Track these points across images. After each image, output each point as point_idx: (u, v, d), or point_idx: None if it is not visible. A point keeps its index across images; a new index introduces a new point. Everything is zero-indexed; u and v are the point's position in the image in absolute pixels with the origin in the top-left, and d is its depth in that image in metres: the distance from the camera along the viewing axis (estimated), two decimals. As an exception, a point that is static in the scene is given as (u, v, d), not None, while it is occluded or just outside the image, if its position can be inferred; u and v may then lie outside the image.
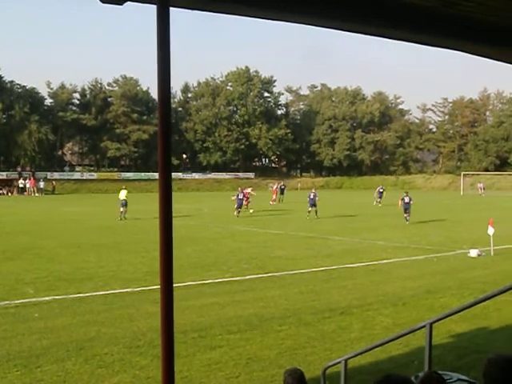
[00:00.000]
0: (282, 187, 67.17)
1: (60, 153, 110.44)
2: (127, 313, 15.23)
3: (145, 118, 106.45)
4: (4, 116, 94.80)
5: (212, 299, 16.78)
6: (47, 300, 16.58)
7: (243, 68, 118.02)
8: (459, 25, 5.33)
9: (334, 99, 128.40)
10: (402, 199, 41.54)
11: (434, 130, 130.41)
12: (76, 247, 27.63)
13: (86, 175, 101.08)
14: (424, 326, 6.66)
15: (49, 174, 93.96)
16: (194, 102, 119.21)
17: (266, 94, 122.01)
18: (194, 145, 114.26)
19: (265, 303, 16.33)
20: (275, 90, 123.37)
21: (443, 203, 58.06)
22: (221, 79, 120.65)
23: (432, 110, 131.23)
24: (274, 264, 22.92)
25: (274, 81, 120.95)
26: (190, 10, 4.50)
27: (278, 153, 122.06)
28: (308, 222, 41.19)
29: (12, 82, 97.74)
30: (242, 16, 4.77)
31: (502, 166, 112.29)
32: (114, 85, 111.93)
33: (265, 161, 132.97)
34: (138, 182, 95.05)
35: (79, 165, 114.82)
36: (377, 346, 8.63)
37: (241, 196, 46.64)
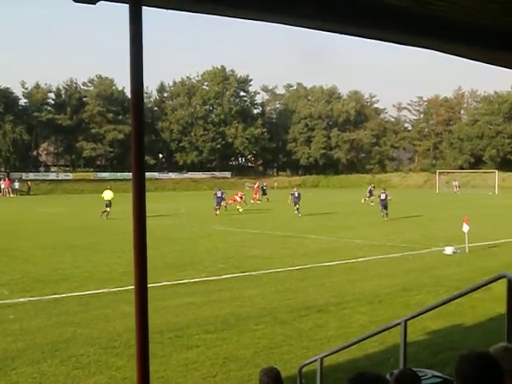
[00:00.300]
0: (264, 187, 67.19)
1: (35, 153, 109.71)
2: (103, 313, 15.15)
3: (120, 117, 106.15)
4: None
5: (188, 299, 16.75)
6: (22, 301, 16.46)
7: (219, 67, 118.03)
8: (432, 24, 5.38)
9: (309, 98, 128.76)
10: (379, 196, 42.96)
11: (410, 128, 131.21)
12: (51, 248, 27.46)
13: (62, 175, 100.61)
14: (399, 324, 6.70)
15: (24, 174, 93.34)
16: (170, 102, 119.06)
17: (242, 94, 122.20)
18: (170, 144, 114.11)
19: (241, 302, 16.32)
20: (251, 89, 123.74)
21: (419, 201, 58.38)
22: (197, 78, 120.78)
23: (407, 108, 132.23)
24: (250, 263, 22.93)
25: (250, 80, 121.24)
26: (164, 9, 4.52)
27: (255, 152, 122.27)
28: (288, 220, 41.28)
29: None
30: (217, 15, 4.77)
31: (476, 164, 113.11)
32: (90, 84, 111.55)
33: (241, 160, 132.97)
34: (113, 182, 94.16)
35: (54, 165, 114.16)
36: (352, 344, 8.67)
37: (219, 194, 46.99)
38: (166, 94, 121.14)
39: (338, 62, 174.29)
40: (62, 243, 29.10)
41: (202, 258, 24.18)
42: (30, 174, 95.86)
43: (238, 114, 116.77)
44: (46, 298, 16.92)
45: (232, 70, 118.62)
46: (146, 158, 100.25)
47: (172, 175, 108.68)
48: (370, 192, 58.90)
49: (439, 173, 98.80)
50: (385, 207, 42.11)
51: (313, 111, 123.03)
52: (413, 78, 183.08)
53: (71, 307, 15.86)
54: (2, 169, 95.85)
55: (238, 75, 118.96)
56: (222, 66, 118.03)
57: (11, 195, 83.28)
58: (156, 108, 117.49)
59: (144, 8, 4.01)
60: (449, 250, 24.96)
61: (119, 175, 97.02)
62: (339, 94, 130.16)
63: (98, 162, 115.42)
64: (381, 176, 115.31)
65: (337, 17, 4.89)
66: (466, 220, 25.10)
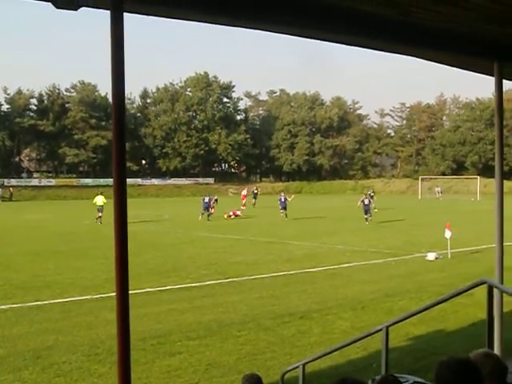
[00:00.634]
0: (256, 192, 67.33)
1: (17, 159, 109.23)
2: (86, 320, 15.07)
3: (103, 123, 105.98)
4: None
5: (171, 306, 16.70)
6: (3, 308, 16.34)
7: (202, 73, 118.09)
8: (414, 32, 5.41)
9: (292, 104, 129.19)
10: (362, 201, 43.82)
11: (392, 134, 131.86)
12: (34, 254, 27.29)
13: (44, 182, 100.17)
14: (381, 330, 6.71)
15: (6, 180, 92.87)
16: (153, 108, 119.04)
17: (225, 100, 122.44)
18: (153, 150, 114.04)
19: (224, 309, 16.29)
20: (234, 95, 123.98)
21: (401, 207, 58.59)
22: (180, 84, 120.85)
23: (390, 114, 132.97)
24: (233, 269, 22.90)
25: (233, 86, 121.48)
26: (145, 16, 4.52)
27: (238, 158, 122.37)
28: (271, 226, 41.32)
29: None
30: (199, 22, 4.78)
31: (458, 170, 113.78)
32: (72, 90, 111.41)
33: (224, 166, 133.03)
34: (96, 189, 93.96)
35: (37, 171, 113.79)
36: (335, 350, 8.67)
37: (206, 200, 47.81)
38: (149, 100, 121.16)
39: (321, 68, 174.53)
40: (44, 249, 28.96)
41: (185, 265, 24.13)
42: (12, 180, 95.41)
43: (221, 120, 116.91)
44: (27, 304, 16.81)
45: (215, 76, 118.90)
46: (129, 164, 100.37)
47: (155, 181, 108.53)
48: (371, 197, 58.48)
49: (422, 179, 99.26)
50: (368, 212, 43.00)
51: (296, 117, 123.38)
52: (395, 85, 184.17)
53: (53, 314, 15.77)
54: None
55: (221, 81, 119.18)
56: (205, 72, 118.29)
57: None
58: (139, 114, 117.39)
59: (126, 14, 4.01)
60: (431, 256, 25.04)
61: (102, 181, 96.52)
62: (322, 100, 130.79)
63: (81, 168, 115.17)
64: (363, 182, 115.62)
65: (319, 25, 4.91)
66: (449, 226, 25.23)
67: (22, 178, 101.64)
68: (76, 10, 4.19)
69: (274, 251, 28.26)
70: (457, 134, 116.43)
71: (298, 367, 8.40)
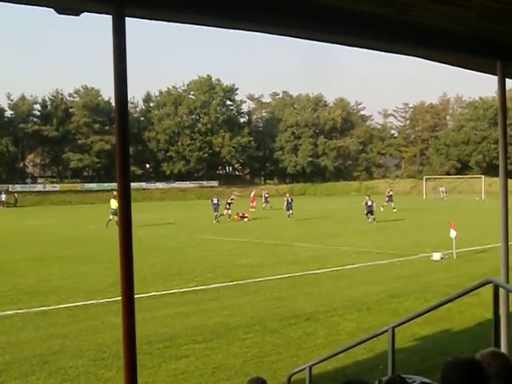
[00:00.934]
0: (266, 196, 67.50)
1: (21, 165, 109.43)
2: (92, 325, 15.08)
3: (107, 128, 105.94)
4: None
5: (177, 309, 16.70)
6: (10, 314, 16.36)
7: (205, 76, 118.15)
8: (412, 31, 5.40)
9: (296, 106, 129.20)
10: (366, 202, 44.61)
11: (396, 135, 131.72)
12: (39, 260, 27.33)
13: (49, 187, 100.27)
14: (387, 331, 6.70)
15: (10, 186, 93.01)
16: (156, 112, 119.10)
17: (229, 102, 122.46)
18: (157, 154, 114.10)
19: (230, 311, 16.29)
20: (237, 98, 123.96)
21: (406, 207, 58.49)
22: (183, 88, 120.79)
23: (393, 115, 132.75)
24: (238, 272, 22.89)
25: (236, 89, 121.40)
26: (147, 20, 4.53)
27: (242, 161, 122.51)
28: (276, 228, 41.31)
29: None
30: (201, 26, 4.78)
31: (463, 169, 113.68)
32: (76, 95, 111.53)
33: (228, 169, 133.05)
34: (101, 193, 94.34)
35: (41, 176, 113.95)
36: (341, 352, 8.66)
37: (215, 201, 49.06)
38: (152, 104, 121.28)
39: (323, 69, 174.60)
40: (50, 255, 28.99)
41: (190, 268, 24.13)
42: (17, 185, 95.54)
43: (224, 123, 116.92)
44: (33, 310, 16.82)
45: (218, 79, 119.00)
46: (133, 168, 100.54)
47: (159, 185, 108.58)
48: (390, 196, 58.68)
49: (426, 179, 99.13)
50: (371, 213, 44.09)
51: (299, 119, 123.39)
52: (398, 85, 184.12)
53: (59, 319, 15.78)
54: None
55: (224, 84, 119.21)
56: (208, 76, 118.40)
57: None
58: (142, 118, 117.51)
59: (128, 18, 4.02)
60: (436, 256, 25.00)
61: (106, 186, 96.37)
62: (325, 101, 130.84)
63: (85, 173, 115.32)
64: (368, 183, 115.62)
65: (319, 26, 4.91)
66: (454, 226, 25.18)
67: (26, 183, 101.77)
68: (78, 15, 4.20)
69: (279, 253, 28.25)
70: (460, 134, 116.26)
71: (304, 369, 8.40)
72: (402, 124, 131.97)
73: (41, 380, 11.01)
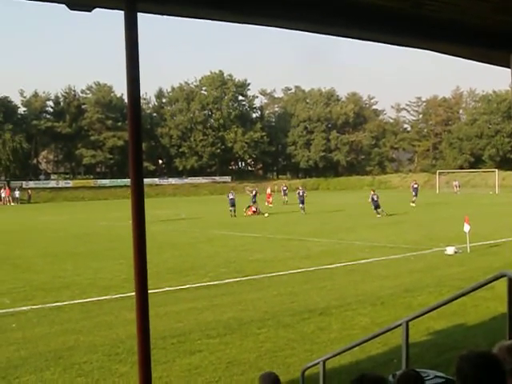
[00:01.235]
0: (285, 189, 67.73)
1: (35, 161, 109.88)
2: (106, 320, 15.14)
3: (119, 124, 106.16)
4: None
5: (190, 304, 16.73)
6: (24, 310, 16.44)
7: (217, 72, 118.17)
8: (427, 25, 5.38)
9: (308, 101, 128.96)
10: (372, 197, 45.64)
11: (409, 129, 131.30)
12: (53, 256, 27.44)
13: (62, 183, 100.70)
14: (401, 325, 6.69)
15: (24, 182, 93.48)
16: (169, 107, 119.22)
17: (241, 98, 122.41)
18: (169, 150, 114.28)
19: (243, 306, 16.30)
20: (249, 93, 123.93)
21: (419, 202, 58.29)
22: (195, 84, 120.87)
23: (406, 109, 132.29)
24: (252, 267, 22.90)
25: (248, 84, 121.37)
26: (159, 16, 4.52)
27: (254, 156, 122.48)
28: (288, 223, 41.30)
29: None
30: (213, 20, 4.78)
31: (476, 163, 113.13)
32: (88, 92, 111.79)
33: (241, 164, 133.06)
34: (114, 189, 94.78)
35: (54, 173, 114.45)
36: (355, 346, 8.66)
37: (231, 196, 49.66)
38: (164, 100, 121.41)
39: (335, 64, 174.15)
40: (63, 251, 29.11)
41: (203, 263, 24.16)
42: (31, 182, 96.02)
43: (236, 119, 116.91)
44: (48, 305, 16.90)
45: (230, 75, 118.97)
46: (146, 164, 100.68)
47: (172, 181, 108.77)
48: (416, 190, 58.31)
49: (439, 173, 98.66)
50: (378, 207, 45.03)
51: (312, 114, 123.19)
52: (411, 79, 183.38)
53: (73, 315, 15.85)
54: (3, 178, 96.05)
55: (236, 79, 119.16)
56: (220, 71, 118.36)
57: (12, 204, 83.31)
58: (155, 114, 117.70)
59: (140, 14, 4.02)
60: (450, 250, 24.92)
61: (119, 182, 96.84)
62: (337, 96, 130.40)
63: (98, 169, 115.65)
64: (381, 177, 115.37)
65: (331, 19, 4.90)
66: (467, 220, 25.09)
67: (39, 180, 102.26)
68: (90, 11, 4.21)
69: (292, 248, 28.24)
70: (474, 128, 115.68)
71: (318, 363, 8.39)
72: (414, 118, 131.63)
73: (55, 375, 11.06)
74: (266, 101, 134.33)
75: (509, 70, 7.13)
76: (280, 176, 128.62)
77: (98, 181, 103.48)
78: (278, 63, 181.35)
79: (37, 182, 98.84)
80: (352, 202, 63.35)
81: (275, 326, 14.16)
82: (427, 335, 12.74)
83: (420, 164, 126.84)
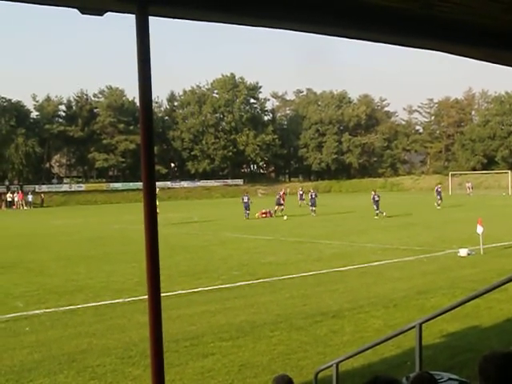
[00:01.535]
0: (301, 193, 67.29)
1: (47, 165, 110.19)
2: (119, 323, 15.18)
3: (131, 128, 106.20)
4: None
5: (203, 307, 16.75)
6: (38, 313, 16.52)
7: (228, 75, 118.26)
8: (437, 26, 5.36)
9: (320, 103, 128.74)
10: (373, 198, 46.75)
11: (421, 131, 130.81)
12: (66, 259, 27.54)
13: (75, 187, 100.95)
14: (414, 327, 6.67)
15: (37, 186, 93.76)
16: (181, 111, 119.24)
17: (252, 101, 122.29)
18: (181, 153, 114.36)
19: (256, 309, 16.31)
20: (261, 96, 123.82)
21: (432, 203, 58.14)
22: (206, 87, 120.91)
23: (418, 111, 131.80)
24: (264, 270, 22.90)
25: (260, 87, 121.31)
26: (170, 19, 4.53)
27: (266, 158, 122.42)
28: (300, 225, 41.28)
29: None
30: (225, 23, 4.78)
31: (489, 164, 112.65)
32: (100, 96, 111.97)
33: (253, 167, 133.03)
34: (126, 193, 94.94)
35: (67, 177, 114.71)
36: (368, 349, 8.63)
37: (246, 199, 50.22)
38: (176, 103, 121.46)
39: (347, 66, 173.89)
40: (76, 254, 29.20)
41: (216, 266, 24.19)
42: (43, 186, 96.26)
43: (248, 122, 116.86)
44: (61, 309, 16.97)
45: (241, 78, 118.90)
46: (158, 167, 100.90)
47: (184, 184, 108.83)
48: (439, 193, 58.29)
49: (452, 175, 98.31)
50: (378, 207, 46.20)
51: (323, 116, 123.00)
52: (423, 81, 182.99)
53: (87, 318, 15.91)
54: (16, 182, 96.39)
55: (248, 82, 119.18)
56: (232, 74, 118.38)
57: (25, 208, 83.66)
58: (167, 117, 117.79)
59: (151, 17, 4.03)
60: (463, 252, 24.84)
61: (132, 185, 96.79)
62: (349, 98, 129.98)
63: (111, 173, 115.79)
64: (393, 179, 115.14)
65: (341, 21, 4.89)
66: (480, 221, 25.02)
67: (52, 183, 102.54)
68: (101, 15, 4.21)
69: (304, 251, 28.24)
70: (486, 129, 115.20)
71: (331, 366, 8.38)
72: (426, 120, 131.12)
73: (69, 378, 11.10)
74: (277, 103, 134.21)
75: (521, 71, 7.11)
76: (292, 179, 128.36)
77: (111, 184, 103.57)
78: (290, 66, 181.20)
79: (50, 185, 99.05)
80: (364, 205, 63.15)
81: (288, 328, 14.16)
82: (440, 337, 12.71)
83: (432, 166, 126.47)
